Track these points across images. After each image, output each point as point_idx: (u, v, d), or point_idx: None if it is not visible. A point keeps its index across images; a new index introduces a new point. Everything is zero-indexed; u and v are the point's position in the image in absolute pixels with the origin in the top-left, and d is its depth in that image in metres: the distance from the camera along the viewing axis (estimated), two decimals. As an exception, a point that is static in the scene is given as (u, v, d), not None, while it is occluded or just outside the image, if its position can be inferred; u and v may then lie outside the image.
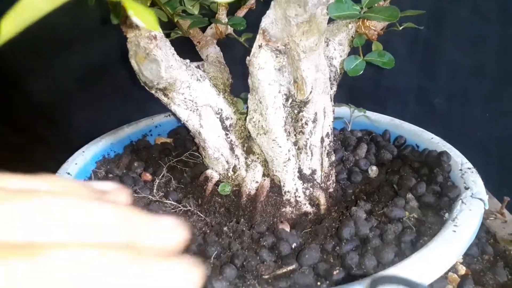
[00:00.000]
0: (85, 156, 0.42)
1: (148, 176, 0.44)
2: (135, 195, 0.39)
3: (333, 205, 0.40)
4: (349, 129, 0.51)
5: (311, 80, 0.36)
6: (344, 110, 0.51)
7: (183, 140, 0.51)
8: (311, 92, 0.37)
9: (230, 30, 0.49)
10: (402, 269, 0.26)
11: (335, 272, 0.28)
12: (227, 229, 0.35)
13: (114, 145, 0.47)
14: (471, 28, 0.73)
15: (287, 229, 0.35)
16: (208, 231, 0.36)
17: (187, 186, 0.44)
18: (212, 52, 0.46)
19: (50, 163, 0.83)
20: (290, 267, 0.29)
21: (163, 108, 0.72)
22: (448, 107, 0.80)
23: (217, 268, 0.30)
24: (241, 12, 0.49)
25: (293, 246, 0.32)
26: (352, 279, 0.28)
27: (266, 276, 0.29)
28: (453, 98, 0.79)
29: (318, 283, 0.28)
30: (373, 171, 0.43)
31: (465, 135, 0.81)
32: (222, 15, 0.47)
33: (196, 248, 0.32)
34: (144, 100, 0.83)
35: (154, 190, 0.41)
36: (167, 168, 0.44)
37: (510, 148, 0.82)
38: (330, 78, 0.39)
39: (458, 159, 0.39)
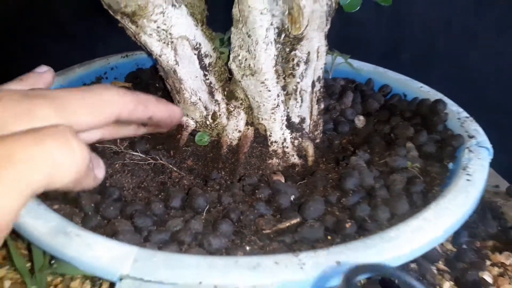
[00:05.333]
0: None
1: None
2: (97, 144, 0.33)
3: (320, 156, 0.37)
4: (330, 77, 0.47)
5: (308, 11, 0.32)
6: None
7: (145, 84, 0.45)
8: (306, 26, 0.32)
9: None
10: (425, 220, 0.23)
11: (347, 225, 0.24)
12: (213, 180, 0.30)
13: (64, 87, 0.40)
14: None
15: (283, 180, 0.31)
16: (186, 184, 0.31)
17: (156, 136, 0.38)
18: (184, -21, 0.39)
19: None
20: (294, 221, 0.25)
21: (111, 50, 0.64)
22: (414, 61, 0.79)
23: (209, 224, 0.25)
24: None
25: (292, 199, 0.28)
26: (365, 232, 0.25)
27: (268, 231, 0.25)
28: (419, 53, 0.79)
29: (329, 237, 0.24)
30: (361, 121, 0.40)
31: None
32: None
33: (179, 202, 0.27)
34: (88, 40, 0.75)
35: (118, 140, 0.35)
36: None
37: (473, 107, 0.84)
38: (326, 12, 0.34)
39: (454, 108, 0.37)
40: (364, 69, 0.47)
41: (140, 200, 0.28)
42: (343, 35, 0.72)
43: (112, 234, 0.23)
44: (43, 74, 0.26)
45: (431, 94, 0.40)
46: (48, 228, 0.22)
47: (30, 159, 0.16)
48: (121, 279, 0.20)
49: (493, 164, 0.46)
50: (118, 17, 0.31)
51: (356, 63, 0.48)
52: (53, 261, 0.24)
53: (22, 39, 0.75)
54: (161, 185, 0.31)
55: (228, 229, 0.25)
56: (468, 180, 0.27)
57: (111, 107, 0.21)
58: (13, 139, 0.16)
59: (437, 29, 0.76)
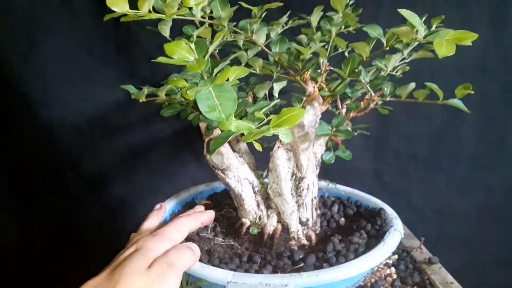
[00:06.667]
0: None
1: (202, 224, 0.69)
2: (200, 234, 0.65)
3: (319, 240, 0.67)
4: (326, 196, 0.79)
5: (306, 165, 0.64)
6: (323, 184, 0.79)
7: (218, 201, 0.78)
8: (305, 172, 0.65)
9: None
10: (359, 261, 0.53)
11: (324, 265, 0.54)
12: (261, 251, 0.60)
13: (176, 203, 0.73)
14: (407, 128, 1.06)
15: (296, 248, 0.61)
16: (247, 253, 0.62)
17: (227, 230, 0.69)
18: (243, 147, 0.74)
19: (93, 226, 1.06)
20: (300, 265, 0.55)
21: (185, 182, 0.97)
22: (395, 183, 1.11)
23: (262, 267, 0.55)
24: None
25: (300, 257, 0.58)
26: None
27: (288, 270, 0.55)
28: (398, 176, 1.10)
29: (316, 270, 0.54)
30: (342, 221, 0.71)
31: (408, 204, 1.11)
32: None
33: (246, 259, 0.58)
34: (170, 175, 1.10)
35: (209, 232, 0.67)
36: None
37: (441, 214, 1.13)
38: (315, 164, 0.68)
39: (389, 212, 0.67)
40: (347, 190, 0.79)
41: (227, 258, 0.58)
42: (341, 167, 1.05)
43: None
44: (161, 210, 0.61)
45: (381, 205, 0.71)
46: (195, 265, 0.53)
47: (182, 260, 0.46)
48: (228, 283, 0.50)
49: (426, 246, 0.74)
50: (216, 170, 0.64)
51: (342, 187, 0.80)
52: (192, 283, 0.54)
53: (120, 173, 1.09)
54: (235, 253, 0.62)
55: (270, 268, 0.54)
56: (383, 245, 0.56)
57: (188, 227, 0.53)
58: (171, 253, 0.45)
59: (408, 159, 1.08)
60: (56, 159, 1.04)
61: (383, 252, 0.55)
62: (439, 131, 1.05)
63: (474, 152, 1.07)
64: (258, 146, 0.44)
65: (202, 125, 0.60)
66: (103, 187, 1.07)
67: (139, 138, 1.03)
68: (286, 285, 0.49)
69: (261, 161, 0.73)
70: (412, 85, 0.62)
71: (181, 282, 0.56)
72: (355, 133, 0.74)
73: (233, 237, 0.66)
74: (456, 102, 0.59)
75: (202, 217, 0.60)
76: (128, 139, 1.03)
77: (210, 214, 0.62)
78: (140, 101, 0.51)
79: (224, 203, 0.77)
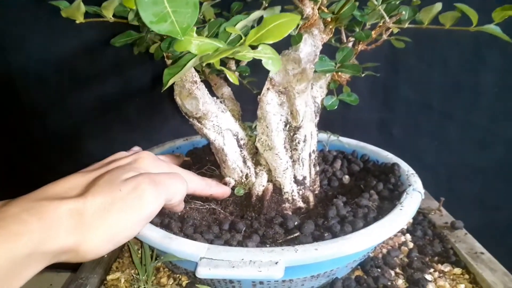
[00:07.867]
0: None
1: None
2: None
3: (318, 202, 0.55)
4: (327, 150, 0.67)
5: (302, 112, 0.52)
6: (323, 136, 0.67)
7: (199, 158, 0.65)
8: (302, 120, 0.52)
9: (236, 74, 0.65)
10: (369, 230, 0.41)
11: (326, 235, 0.42)
12: (247, 216, 0.49)
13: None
14: (419, 73, 0.92)
15: (290, 213, 0.49)
16: (230, 219, 0.50)
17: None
18: (226, 91, 0.61)
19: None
20: (295, 234, 0.43)
21: (165, 137, 0.84)
22: (404, 136, 0.98)
23: (247, 237, 0.44)
24: (244, 62, 0.64)
25: (295, 224, 0.46)
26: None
27: (280, 241, 0.43)
28: (407, 128, 0.98)
29: (315, 243, 0.42)
30: (346, 179, 0.59)
31: (418, 159, 0.99)
32: (232, 64, 0.62)
33: (228, 227, 0.46)
34: (148, 130, 0.97)
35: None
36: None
37: (455, 171, 1.01)
38: (314, 111, 0.55)
39: (405, 168, 0.55)
40: (351, 143, 0.66)
41: (204, 225, 0.47)
42: (344, 118, 0.93)
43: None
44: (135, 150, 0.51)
45: (394, 159, 0.59)
46: (159, 236, 0.41)
47: (171, 183, 0.38)
48: (200, 259, 0.38)
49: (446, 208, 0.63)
50: (190, 119, 0.52)
51: (345, 140, 0.67)
52: (157, 259, 0.43)
53: (92, 129, 0.97)
54: (215, 219, 0.50)
55: (257, 239, 0.43)
56: (400, 209, 0.44)
57: (195, 186, 0.46)
58: (158, 174, 0.37)
59: (419, 109, 0.95)
60: (20, 114, 0.92)
61: (401, 218, 0.43)
62: (455, 77, 0.92)
63: (493, 101, 0.94)
64: (231, 76, 0.31)
65: (169, 58, 0.47)
66: (73, 145, 0.95)
67: (112, 88, 0.90)
68: (276, 263, 0.37)
69: (253, 112, 0.60)
70: (438, 6, 0.48)
71: (145, 256, 0.44)
72: (363, 74, 0.61)
73: (215, 200, 0.55)
74: (493, 28, 0.46)
75: (215, 188, 0.50)
76: (99, 89, 0.90)
77: (225, 190, 0.52)
78: (78, 22, 0.38)
79: (207, 160, 0.65)
